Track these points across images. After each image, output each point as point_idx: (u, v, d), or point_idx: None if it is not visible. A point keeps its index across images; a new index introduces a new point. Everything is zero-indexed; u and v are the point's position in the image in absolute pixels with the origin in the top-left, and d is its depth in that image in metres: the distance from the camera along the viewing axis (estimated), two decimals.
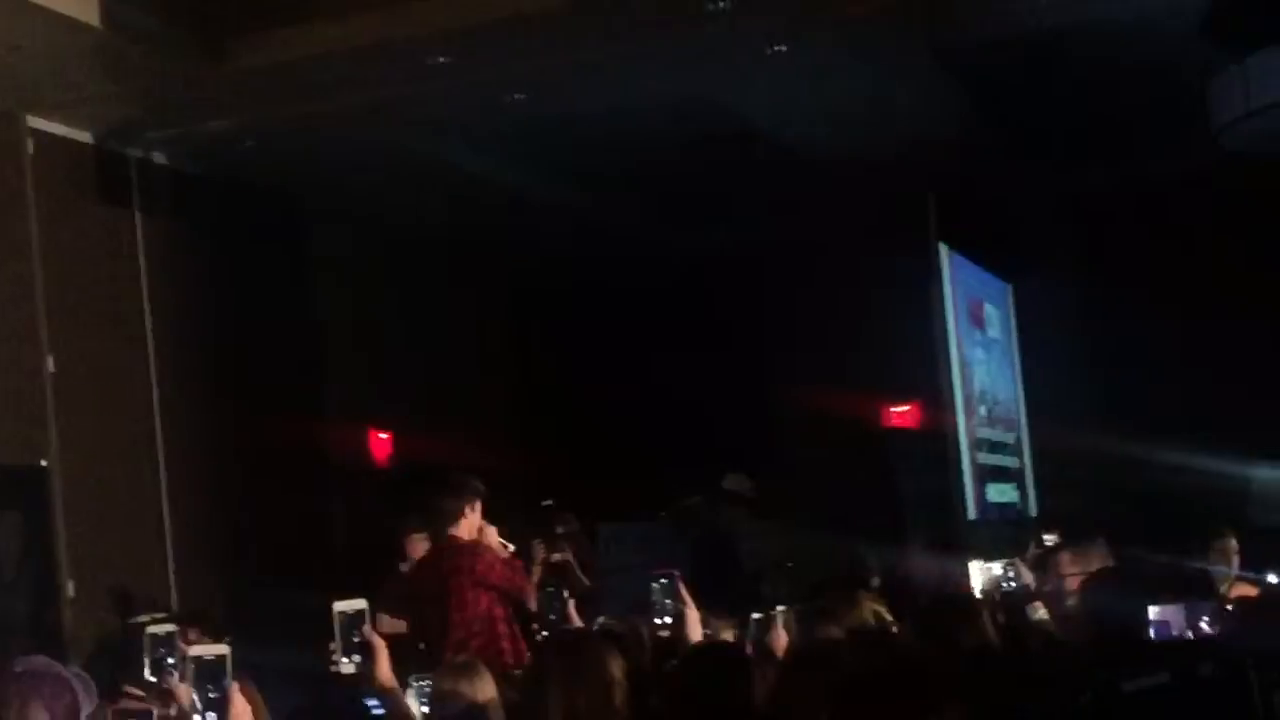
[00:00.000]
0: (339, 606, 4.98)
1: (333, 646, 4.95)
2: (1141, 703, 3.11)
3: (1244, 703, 3.07)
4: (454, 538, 8.50)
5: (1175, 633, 3.42)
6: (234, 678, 4.35)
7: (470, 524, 8.50)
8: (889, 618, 7.49)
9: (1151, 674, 3.19)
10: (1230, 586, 6.85)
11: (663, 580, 5.70)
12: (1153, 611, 3.43)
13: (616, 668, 4.46)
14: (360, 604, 5.00)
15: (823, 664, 4.75)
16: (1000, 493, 14.74)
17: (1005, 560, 7.39)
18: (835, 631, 6.28)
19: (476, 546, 8.46)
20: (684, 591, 5.63)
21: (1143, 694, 3.08)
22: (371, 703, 5.41)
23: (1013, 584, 7.13)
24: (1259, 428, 13.14)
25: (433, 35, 10.05)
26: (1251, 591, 3.24)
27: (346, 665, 4.95)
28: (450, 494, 8.54)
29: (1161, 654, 3.42)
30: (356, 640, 4.96)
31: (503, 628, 8.19)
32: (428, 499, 8.82)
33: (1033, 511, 15.61)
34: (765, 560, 12.86)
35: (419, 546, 11.38)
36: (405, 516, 11.65)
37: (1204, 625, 3.40)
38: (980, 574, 7.63)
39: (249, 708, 4.36)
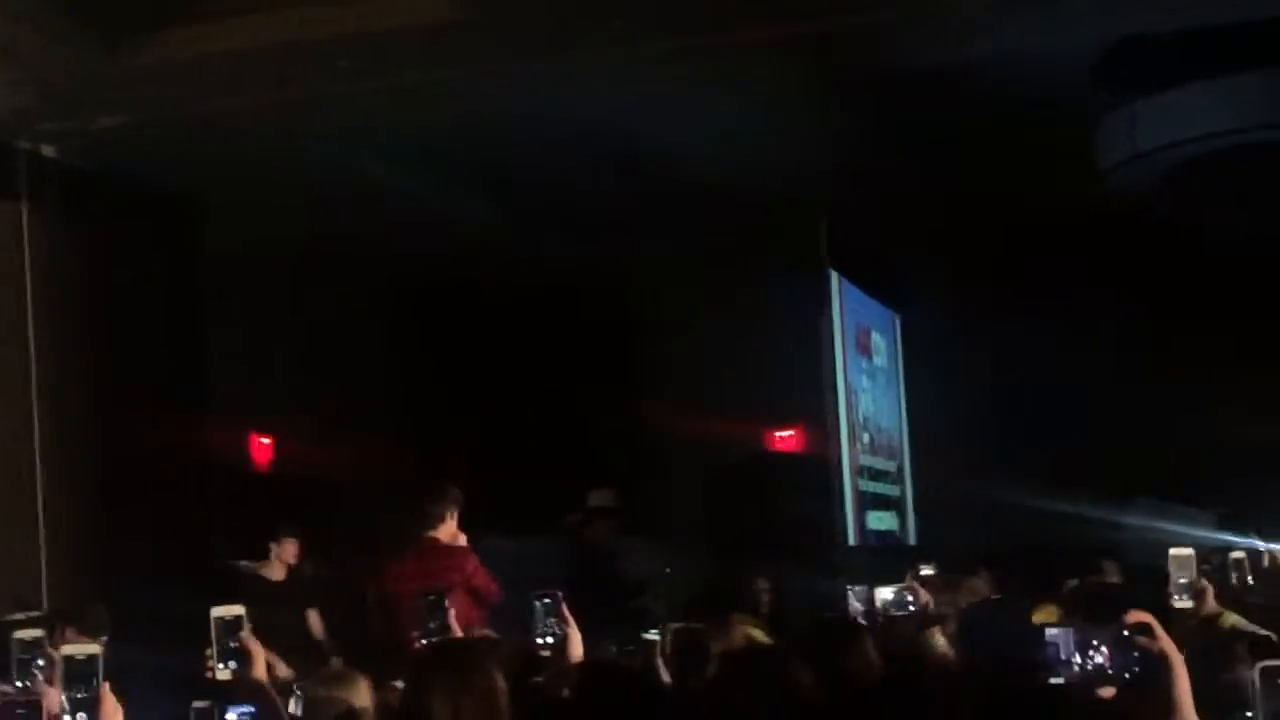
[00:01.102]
0: (216, 612, 4.94)
1: (209, 652, 4.90)
2: None
3: None
4: (435, 539, 8.98)
5: (1064, 656, 3.43)
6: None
7: (450, 529, 9.03)
8: (765, 639, 7.53)
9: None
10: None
11: (546, 600, 5.68)
12: (1048, 634, 3.45)
13: (500, 676, 4.45)
14: (238, 610, 4.97)
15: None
16: (880, 520, 14.88)
17: (901, 584, 7.37)
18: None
19: (464, 550, 8.99)
20: (566, 612, 5.64)
21: None
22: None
23: (911, 608, 7.13)
24: (1138, 462, 13.34)
25: (333, 39, 10.00)
26: (1146, 618, 3.26)
27: (223, 671, 4.91)
28: (434, 498, 9.05)
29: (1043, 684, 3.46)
30: (233, 646, 4.92)
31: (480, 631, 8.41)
32: (413, 501, 9.25)
33: (911, 540, 15.77)
34: (641, 579, 12.93)
35: (289, 550, 11.54)
36: (278, 521, 11.76)
37: (1094, 649, 3.40)
38: (875, 597, 7.59)
39: (120, 709, 4.29)
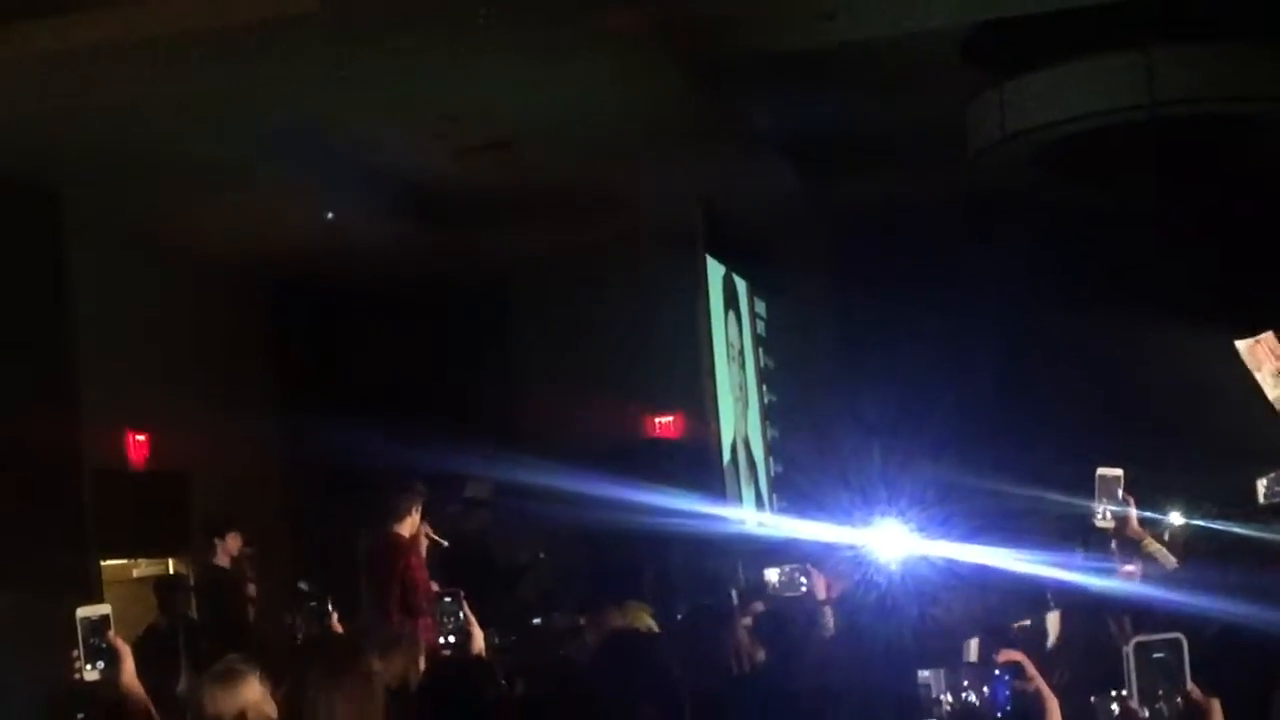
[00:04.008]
0: (82, 612, 4.87)
1: (75, 653, 4.82)
2: None
3: None
4: (396, 534, 9.41)
5: (936, 695, 3.45)
6: None
7: (412, 522, 9.47)
8: (649, 625, 7.51)
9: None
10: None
11: (447, 598, 5.73)
12: (920, 675, 3.47)
13: (377, 668, 4.48)
14: (104, 609, 4.90)
15: None
16: (759, 503, 14.93)
17: (793, 565, 7.24)
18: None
19: (410, 545, 9.40)
20: (468, 609, 5.67)
21: None
22: None
23: (803, 589, 7.05)
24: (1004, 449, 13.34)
25: (192, 32, 9.87)
26: (1017, 657, 3.28)
27: (90, 672, 4.83)
28: (398, 493, 9.54)
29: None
30: (100, 646, 4.84)
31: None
32: (376, 495, 9.76)
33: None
34: (518, 568, 12.96)
35: None
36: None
37: (965, 689, 3.42)
38: (762, 579, 7.49)
39: None
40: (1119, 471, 6.37)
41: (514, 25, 10.14)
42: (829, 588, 7.25)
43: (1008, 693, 3.36)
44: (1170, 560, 6.55)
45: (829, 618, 6.91)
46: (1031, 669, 3.39)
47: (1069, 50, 11.80)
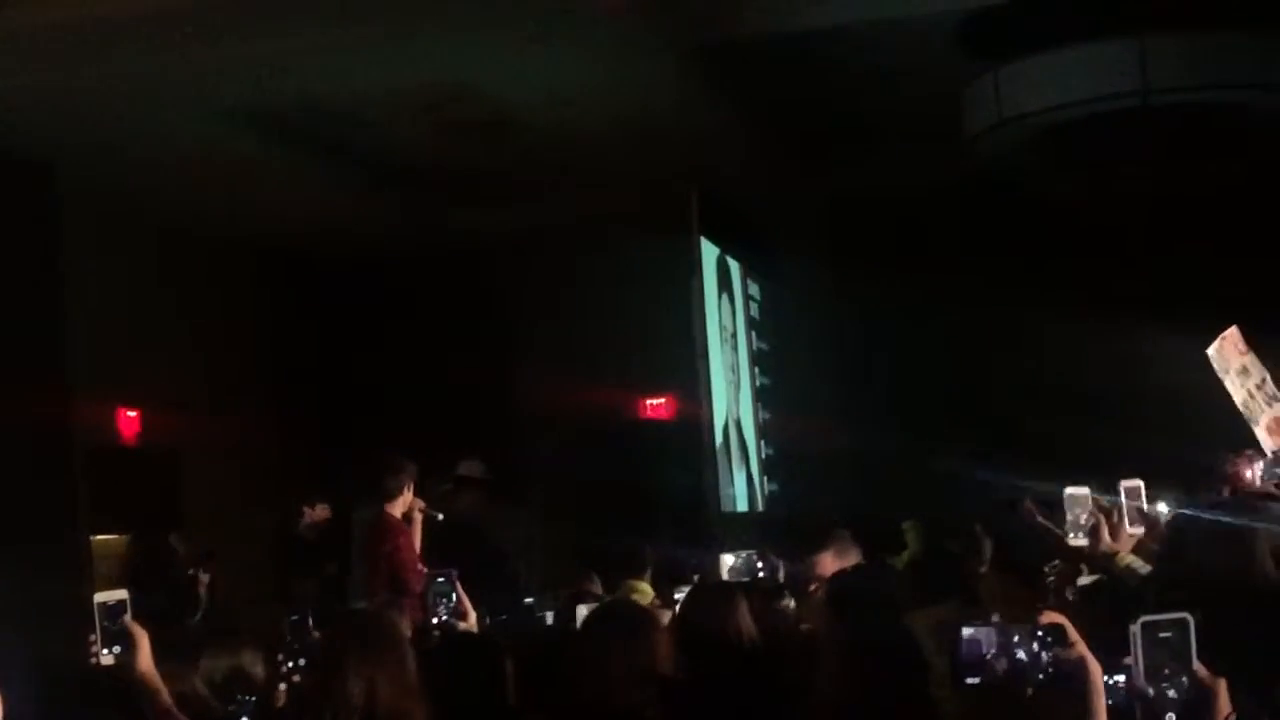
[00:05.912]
0: (100, 597, 4.87)
1: (93, 638, 4.83)
2: None
3: None
4: (389, 515, 9.43)
5: (985, 653, 3.43)
6: None
7: (404, 501, 9.46)
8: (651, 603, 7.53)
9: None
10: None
11: (440, 579, 5.76)
12: (965, 631, 3.45)
13: (411, 648, 4.50)
14: (121, 594, 4.90)
15: None
16: (750, 486, 14.96)
17: (749, 550, 7.31)
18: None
19: (398, 526, 9.42)
20: (461, 590, 5.69)
21: None
22: None
23: (760, 573, 7.09)
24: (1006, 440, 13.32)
25: (183, 8, 9.86)
26: (1058, 619, 3.26)
27: (106, 657, 4.83)
28: (389, 473, 9.49)
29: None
30: (117, 631, 4.85)
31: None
32: (367, 475, 9.72)
33: (780, 507, 15.86)
34: (510, 547, 12.94)
35: None
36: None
37: (1014, 647, 3.41)
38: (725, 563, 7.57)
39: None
40: (1086, 490, 6.40)
41: (505, 5, 10.15)
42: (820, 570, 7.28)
43: (1049, 655, 3.36)
44: (1146, 568, 6.56)
45: (789, 600, 6.93)
46: (1074, 633, 3.38)
47: (1064, 37, 11.80)
